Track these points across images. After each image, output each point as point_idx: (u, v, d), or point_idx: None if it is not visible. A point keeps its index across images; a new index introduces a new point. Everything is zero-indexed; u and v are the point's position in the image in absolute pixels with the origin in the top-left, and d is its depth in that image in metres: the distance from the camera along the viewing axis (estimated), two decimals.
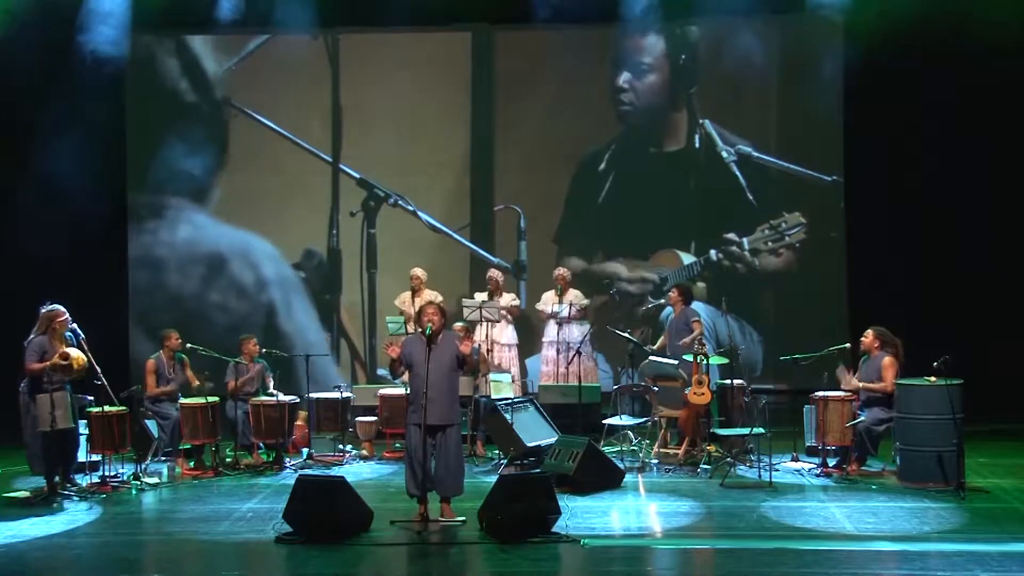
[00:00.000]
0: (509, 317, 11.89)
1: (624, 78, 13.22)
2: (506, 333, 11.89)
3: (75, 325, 9.38)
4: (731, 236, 13.07)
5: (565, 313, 11.69)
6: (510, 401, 10.29)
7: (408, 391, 8.51)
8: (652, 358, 10.72)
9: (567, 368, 11.55)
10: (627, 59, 13.24)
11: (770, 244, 13.05)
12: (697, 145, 13.17)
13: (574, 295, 11.87)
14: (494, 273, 11.95)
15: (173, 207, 13.39)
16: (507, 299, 11.83)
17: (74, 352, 9.12)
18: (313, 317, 13.43)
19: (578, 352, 11.33)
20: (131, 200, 13.39)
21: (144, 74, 13.30)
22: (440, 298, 10.99)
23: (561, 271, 11.97)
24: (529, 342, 12.32)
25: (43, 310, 9.24)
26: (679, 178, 13.22)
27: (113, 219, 13.24)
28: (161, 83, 13.33)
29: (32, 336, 9.19)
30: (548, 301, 11.94)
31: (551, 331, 11.88)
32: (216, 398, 10.32)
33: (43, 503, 8.97)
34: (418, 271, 11.87)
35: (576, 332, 11.68)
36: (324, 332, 13.38)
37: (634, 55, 13.22)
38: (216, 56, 13.37)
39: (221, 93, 13.37)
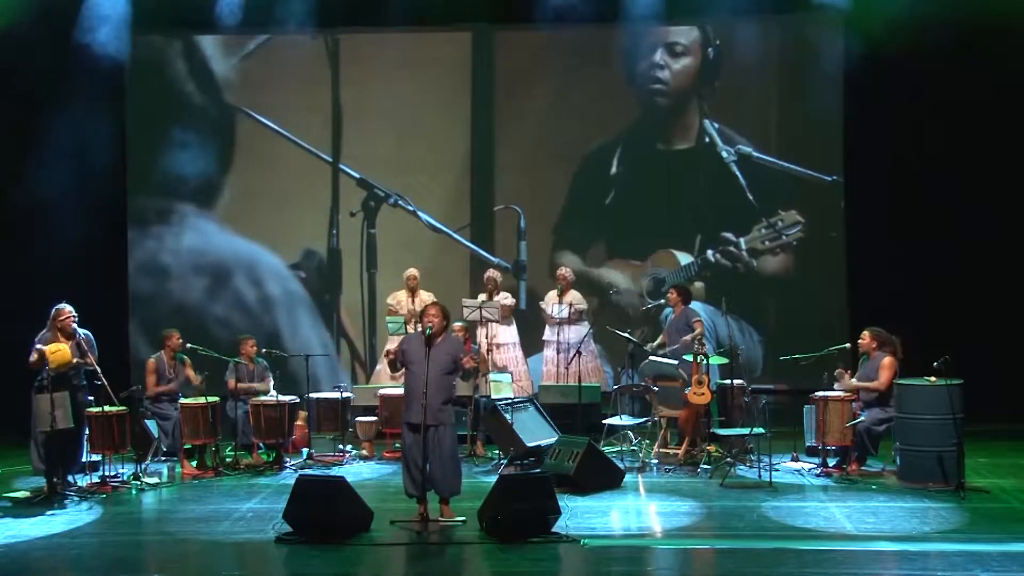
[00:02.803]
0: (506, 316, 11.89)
1: (659, 55, 13.13)
2: (506, 332, 11.89)
3: (74, 326, 9.40)
4: (727, 235, 13.05)
5: (564, 314, 11.69)
6: (510, 401, 10.29)
7: (404, 390, 8.50)
8: (652, 358, 10.72)
9: (567, 368, 11.56)
10: (655, 42, 13.09)
11: (767, 243, 13.04)
12: (708, 143, 13.14)
13: (574, 296, 11.87)
14: (492, 273, 11.95)
15: (178, 211, 13.37)
16: (502, 297, 11.82)
17: (54, 346, 9.09)
18: (318, 328, 13.36)
19: (578, 352, 11.31)
20: (131, 201, 13.37)
21: (145, 74, 13.28)
22: (434, 299, 10.97)
23: (563, 271, 11.97)
24: (530, 341, 12.30)
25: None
26: (687, 176, 13.18)
27: (114, 219, 13.23)
28: (164, 84, 13.30)
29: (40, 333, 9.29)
30: (549, 301, 11.95)
31: (550, 331, 11.90)
32: (216, 398, 10.32)
33: (43, 503, 8.97)
34: (414, 271, 11.87)
35: (574, 333, 11.69)
36: (329, 342, 13.31)
37: (667, 38, 13.10)
38: (221, 57, 13.35)
39: (227, 95, 13.35)
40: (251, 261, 13.35)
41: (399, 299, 11.89)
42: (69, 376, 9.23)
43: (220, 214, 13.39)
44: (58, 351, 9.08)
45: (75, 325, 9.37)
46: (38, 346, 9.13)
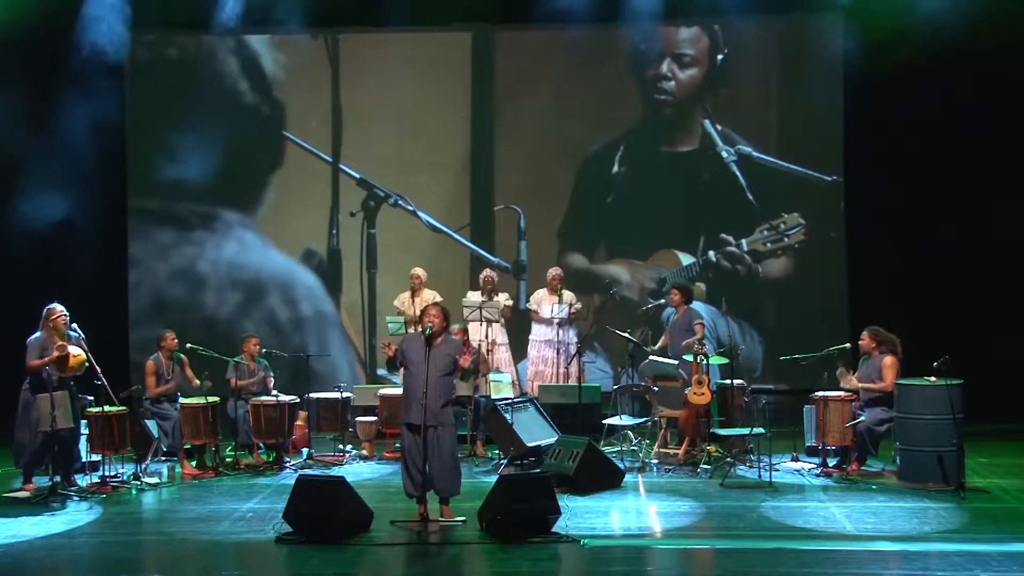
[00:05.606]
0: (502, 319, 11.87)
1: (666, 66, 13.12)
2: (501, 333, 11.84)
3: (75, 325, 9.41)
4: (727, 237, 13.04)
5: (565, 314, 11.69)
6: (510, 401, 10.29)
7: (403, 391, 8.49)
8: (652, 358, 10.72)
9: (567, 368, 11.55)
10: (662, 50, 13.07)
11: (769, 245, 13.04)
12: (708, 143, 13.12)
13: (569, 296, 11.86)
14: (489, 273, 11.94)
15: (180, 212, 13.36)
16: (502, 299, 11.80)
17: (73, 349, 9.15)
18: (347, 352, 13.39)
19: (579, 352, 11.31)
20: (131, 201, 13.38)
21: (145, 74, 13.28)
22: (439, 298, 10.98)
23: (555, 271, 11.94)
24: (522, 342, 12.25)
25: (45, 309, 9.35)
26: (689, 177, 13.16)
27: (113, 218, 13.23)
28: (164, 83, 13.28)
29: (34, 334, 9.28)
30: (543, 301, 11.91)
31: (542, 331, 11.87)
32: (216, 398, 10.32)
33: (43, 503, 8.97)
34: (418, 271, 11.86)
35: (573, 333, 11.68)
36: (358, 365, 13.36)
37: (674, 47, 13.09)
38: (225, 56, 13.36)
39: (229, 95, 13.33)
40: (263, 260, 13.40)
41: (404, 300, 11.86)
42: (44, 380, 9.20)
43: (227, 213, 13.39)
44: (79, 354, 9.13)
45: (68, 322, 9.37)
46: (66, 344, 9.13)
